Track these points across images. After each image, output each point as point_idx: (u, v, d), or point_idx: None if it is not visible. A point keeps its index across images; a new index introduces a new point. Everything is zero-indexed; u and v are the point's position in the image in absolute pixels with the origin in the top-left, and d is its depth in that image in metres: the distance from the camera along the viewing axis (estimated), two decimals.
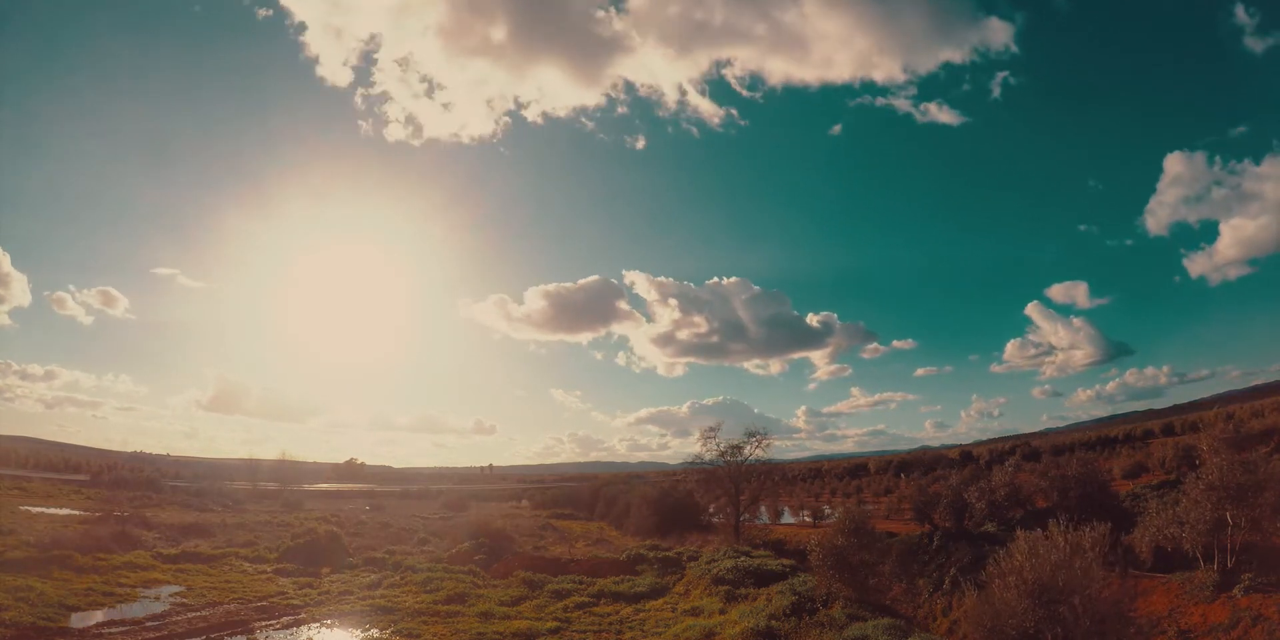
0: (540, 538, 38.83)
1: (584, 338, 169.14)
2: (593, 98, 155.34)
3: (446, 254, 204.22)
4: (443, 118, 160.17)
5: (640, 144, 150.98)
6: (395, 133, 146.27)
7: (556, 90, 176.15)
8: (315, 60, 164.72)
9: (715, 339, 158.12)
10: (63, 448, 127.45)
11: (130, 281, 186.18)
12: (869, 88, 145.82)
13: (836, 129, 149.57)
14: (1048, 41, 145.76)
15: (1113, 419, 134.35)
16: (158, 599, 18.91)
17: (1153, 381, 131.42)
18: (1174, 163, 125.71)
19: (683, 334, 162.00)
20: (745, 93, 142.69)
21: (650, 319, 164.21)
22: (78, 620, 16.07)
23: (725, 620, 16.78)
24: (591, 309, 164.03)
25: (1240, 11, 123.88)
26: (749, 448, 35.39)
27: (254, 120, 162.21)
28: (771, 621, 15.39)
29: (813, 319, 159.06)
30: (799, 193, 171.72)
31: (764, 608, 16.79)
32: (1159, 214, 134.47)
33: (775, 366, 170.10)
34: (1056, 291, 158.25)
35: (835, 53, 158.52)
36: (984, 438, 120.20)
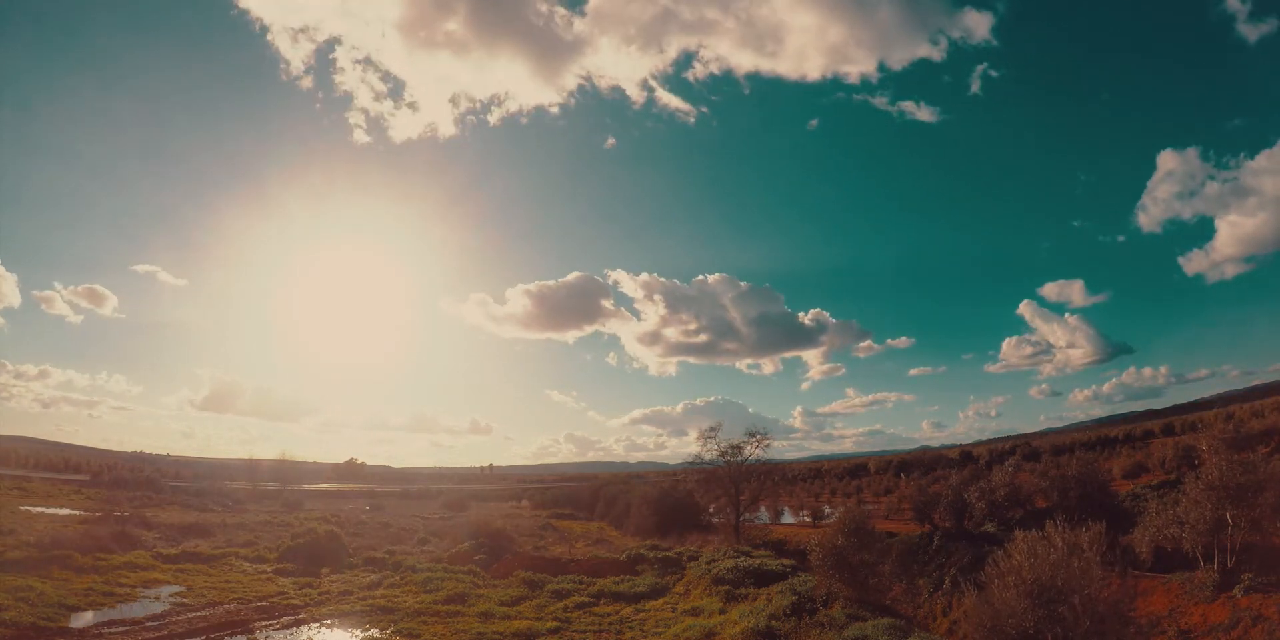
0: (540, 538, 38.82)
1: (571, 336, 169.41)
2: (559, 95, 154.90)
3: (431, 253, 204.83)
4: (413, 118, 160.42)
5: (609, 142, 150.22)
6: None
7: (522, 88, 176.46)
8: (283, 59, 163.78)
9: (705, 337, 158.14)
10: (62, 448, 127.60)
11: (116, 279, 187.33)
12: (841, 84, 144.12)
13: (814, 123, 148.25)
14: (1029, 32, 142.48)
15: (1112, 419, 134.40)
16: (158, 599, 18.90)
17: (1151, 381, 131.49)
18: (1166, 158, 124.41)
19: (671, 332, 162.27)
20: (715, 88, 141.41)
21: (638, 317, 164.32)
22: (78, 620, 16.06)
23: (725, 620, 16.77)
24: (576, 307, 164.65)
25: None
26: (749, 448, 35.50)
27: (244, 121, 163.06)
28: (771, 621, 15.38)
29: (804, 316, 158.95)
30: (782, 188, 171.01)
31: (764, 608, 16.78)
32: (1152, 210, 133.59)
33: (768, 366, 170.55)
34: (1051, 289, 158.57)
35: (808, 46, 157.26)
36: (982, 438, 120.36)
